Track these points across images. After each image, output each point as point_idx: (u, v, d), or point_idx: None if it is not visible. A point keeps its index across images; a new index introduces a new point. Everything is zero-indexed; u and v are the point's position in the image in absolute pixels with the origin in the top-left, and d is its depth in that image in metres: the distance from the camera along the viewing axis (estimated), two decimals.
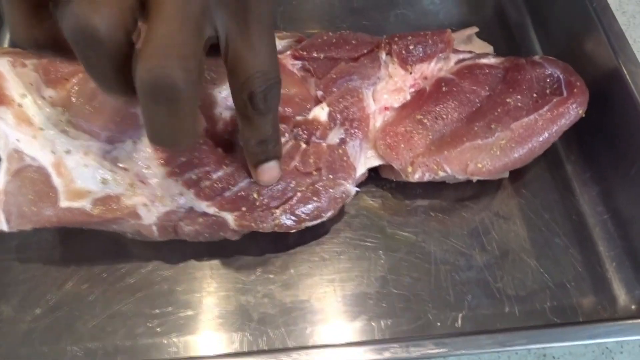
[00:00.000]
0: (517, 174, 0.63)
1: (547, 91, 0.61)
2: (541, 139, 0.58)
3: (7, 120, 0.52)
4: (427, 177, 0.58)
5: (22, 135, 0.52)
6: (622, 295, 0.58)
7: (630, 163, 0.59)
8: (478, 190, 0.63)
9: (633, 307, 0.57)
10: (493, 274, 0.59)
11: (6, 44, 0.71)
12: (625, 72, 0.60)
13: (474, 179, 0.59)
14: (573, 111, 0.59)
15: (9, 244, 0.58)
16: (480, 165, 0.57)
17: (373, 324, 0.55)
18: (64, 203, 0.51)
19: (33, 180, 0.52)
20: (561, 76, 0.61)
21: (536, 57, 0.63)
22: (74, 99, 0.53)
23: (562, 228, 0.61)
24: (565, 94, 0.60)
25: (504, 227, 0.61)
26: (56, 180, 0.52)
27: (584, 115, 0.61)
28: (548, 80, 0.61)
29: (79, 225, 0.53)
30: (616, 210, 0.62)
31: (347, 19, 0.76)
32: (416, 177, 0.57)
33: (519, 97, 0.59)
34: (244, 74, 0.42)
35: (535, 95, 0.60)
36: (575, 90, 0.60)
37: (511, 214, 0.62)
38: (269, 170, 0.51)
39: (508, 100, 0.59)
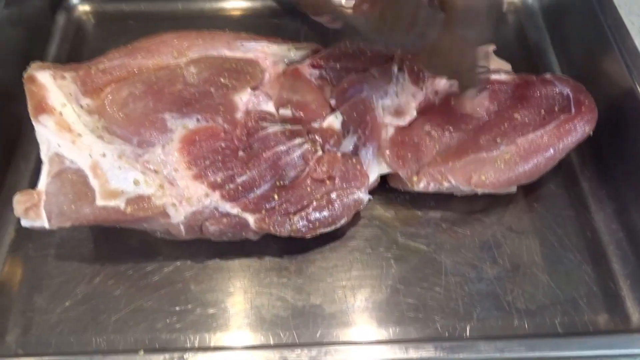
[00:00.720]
0: (530, 189, 0.64)
1: (556, 108, 0.62)
2: (546, 155, 0.59)
3: (49, 127, 0.57)
4: (432, 187, 0.59)
5: (63, 140, 0.57)
6: (635, 314, 0.58)
7: None
8: (491, 203, 0.64)
9: None
10: (503, 287, 0.59)
11: (49, 59, 0.78)
12: (639, 90, 0.60)
13: (478, 191, 0.60)
14: (580, 129, 0.60)
15: (49, 240, 0.62)
16: (483, 178, 0.58)
17: (382, 330, 0.57)
18: (100, 202, 0.55)
19: (72, 181, 0.56)
20: (570, 94, 0.61)
21: (547, 75, 0.64)
22: (108, 107, 0.58)
23: (575, 244, 0.62)
24: (573, 111, 0.61)
25: (516, 241, 0.62)
26: (93, 181, 0.56)
27: (591, 134, 0.61)
28: (557, 97, 0.62)
29: (113, 223, 0.57)
30: (631, 228, 0.62)
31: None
32: (421, 186, 0.59)
33: (526, 112, 0.60)
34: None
35: (543, 111, 0.61)
36: (583, 108, 0.61)
37: (524, 229, 0.63)
38: (475, 96, 0.55)
39: (515, 115, 0.60)
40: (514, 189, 0.63)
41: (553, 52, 0.78)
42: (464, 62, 0.53)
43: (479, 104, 0.57)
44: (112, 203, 0.55)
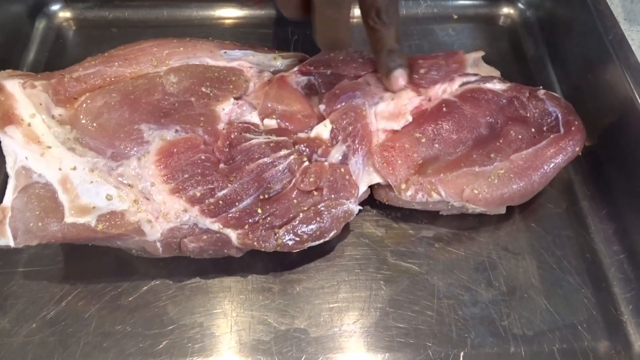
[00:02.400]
0: (527, 207, 0.61)
1: (545, 128, 0.60)
2: (540, 172, 0.57)
3: (16, 138, 0.53)
4: (419, 197, 0.56)
5: (31, 153, 0.53)
6: (638, 341, 0.55)
7: None
8: (486, 222, 0.61)
9: None
10: (499, 311, 0.56)
11: (27, 66, 0.74)
12: None
13: (469, 207, 0.57)
14: (570, 148, 0.58)
15: (16, 257, 0.58)
16: (476, 192, 0.55)
17: (370, 357, 0.53)
18: (69, 219, 0.52)
19: (40, 196, 0.53)
20: (559, 114, 0.60)
21: (540, 92, 0.62)
22: (80, 117, 0.55)
23: (574, 267, 0.59)
24: (562, 131, 0.59)
25: (512, 263, 0.59)
26: (62, 197, 0.53)
27: (580, 154, 0.59)
28: (546, 117, 0.61)
29: (83, 241, 0.54)
30: (633, 250, 0.59)
31: (361, 47, 0.76)
32: (408, 194, 0.56)
33: (519, 129, 0.59)
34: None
35: (533, 130, 0.59)
36: (572, 128, 0.59)
37: (521, 250, 0.60)
38: (398, 78, 0.59)
39: (509, 131, 0.58)
40: (503, 209, 0.60)
41: (550, 65, 0.75)
42: (341, 38, 0.55)
43: (395, 83, 0.60)
44: (82, 220, 0.51)
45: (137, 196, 0.54)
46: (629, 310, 0.56)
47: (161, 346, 0.54)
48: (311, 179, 0.55)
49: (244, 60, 0.63)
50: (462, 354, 0.53)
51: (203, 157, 0.54)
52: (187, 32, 0.76)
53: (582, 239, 0.61)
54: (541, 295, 0.57)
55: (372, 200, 0.62)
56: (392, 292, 0.57)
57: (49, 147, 0.54)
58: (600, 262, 0.59)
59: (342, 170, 0.56)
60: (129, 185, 0.54)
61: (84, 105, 0.55)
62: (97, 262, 0.58)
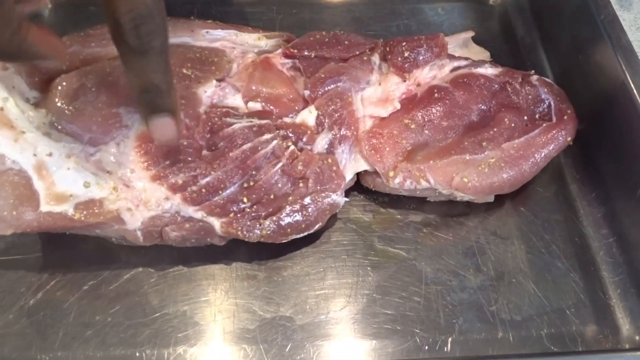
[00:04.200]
0: (516, 191, 0.60)
1: (537, 116, 0.59)
2: (531, 161, 0.56)
3: None
4: (407, 185, 0.55)
5: (4, 138, 0.51)
6: (626, 325, 0.54)
7: (636, 183, 0.56)
8: (474, 207, 0.60)
9: (637, 337, 0.53)
10: (487, 296, 0.55)
11: None
12: (633, 87, 0.57)
13: (458, 195, 0.56)
14: (562, 137, 0.57)
15: None
16: (466, 180, 0.54)
17: (357, 344, 0.53)
18: (45, 207, 0.50)
19: (14, 183, 0.50)
20: (552, 102, 0.59)
21: (533, 77, 0.61)
22: (56, 100, 0.52)
23: (563, 251, 0.58)
24: (554, 120, 0.58)
25: (501, 248, 0.58)
26: (37, 184, 0.51)
27: (571, 144, 0.58)
28: (539, 104, 0.60)
29: (60, 230, 0.52)
30: (622, 233, 0.58)
31: (348, 28, 0.75)
32: (397, 182, 0.55)
33: (511, 116, 0.57)
34: (112, 7, 0.37)
35: (525, 118, 0.58)
36: (565, 117, 0.58)
37: (509, 234, 0.59)
38: (160, 126, 0.44)
39: (505, 119, 0.57)
40: (492, 197, 0.59)
41: (541, 47, 0.74)
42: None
43: (156, 133, 0.45)
44: (59, 208, 0.49)
45: (117, 183, 0.52)
46: (617, 294, 0.56)
47: (143, 336, 0.52)
48: (299, 167, 0.54)
49: (227, 41, 0.61)
50: (450, 340, 0.53)
51: (185, 144, 0.53)
52: (168, 10, 0.73)
53: (571, 223, 0.60)
54: (529, 280, 0.56)
55: (359, 186, 0.60)
56: (380, 278, 0.56)
57: (23, 132, 0.51)
58: (589, 246, 0.59)
59: (330, 160, 0.55)
60: (108, 172, 0.52)
61: (59, 87, 0.53)
62: (76, 250, 0.57)
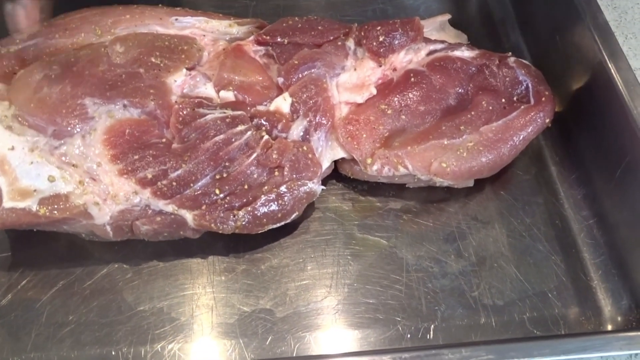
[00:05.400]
0: (496, 175, 0.59)
1: (515, 98, 0.58)
2: (509, 144, 0.55)
3: None
4: (385, 172, 0.54)
5: None
6: (607, 306, 0.54)
7: (616, 163, 0.55)
8: (455, 192, 0.59)
9: (619, 318, 0.53)
10: (469, 282, 0.55)
11: None
12: (610, 66, 0.56)
13: (437, 181, 0.56)
14: (540, 119, 0.56)
15: None
16: (444, 165, 0.53)
17: (339, 335, 0.52)
18: (8, 203, 0.48)
19: None
20: (530, 84, 0.58)
21: (510, 59, 0.60)
22: (18, 92, 0.50)
23: (544, 234, 0.58)
24: (532, 102, 0.57)
25: (482, 232, 0.57)
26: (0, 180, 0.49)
27: (549, 126, 0.58)
28: (517, 86, 0.59)
29: (26, 226, 0.50)
30: (602, 214, 0.58)
31: (322, 13, 0.73)
32: (374, 168, 0.54)
33: (489, 99, 0.56)
34: None
35: (503, 100, 0.57)
36: (543, 99, 0.57)
37: (490, 218, 0.58)
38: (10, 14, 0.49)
39: (482, 102, 0.56)
40: (471, 182, 0.58)
41: (518, 28, 0.73)
42: None
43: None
44: (22, 204, 0.48)
45: (83, 177, 0.50)
46: (598, 276, 0.56)
47: (119, 334, 0.51)
48: (274, 155, 0.52)
49: (197, 28, 0.59)
50: (432, 327, 0.52)
51: (154, 136, 0.51)
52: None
53: (552, 205, 0.60)
54: (511, 264, 0.56)
55: (337, 174, 0.59)
56: (360, 267, 0.55)
57: None
58: (570, 228, 0.58)
59: (305, 148, 0.53)
60: (73, 165, 0.50)
61: (22, 79, 0.51)
62: (47, 247, 0.55)
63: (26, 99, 0.50)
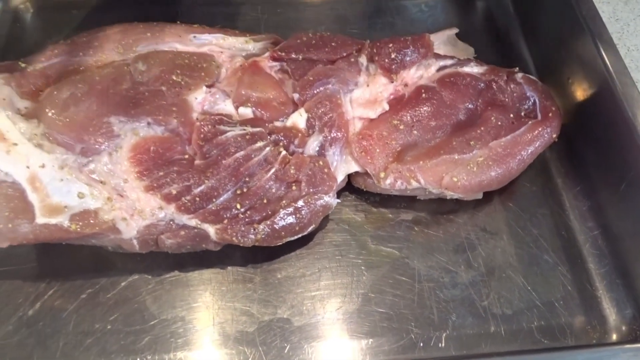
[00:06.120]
0: (504, 187, 0.61)
1: (522, 113, 0.60)
2: (518, 159, 0.57)
3: None
4: (398, 185, 0.56)
5: None
6: (612, 315, 0.56)
7: (621, 176, 0.57)
8: (464, 204, 0.62)
9: (624, 328, 0.55)
10: (479, 292, 0.57)
11: None
12: (615, 81, 0.58)
13: (448, 194, 0.58)
14: (547, 134, 0.58)
15: None
16: (455, 179, 0.55)
17: (354, 343, 0.54)
18: (40, 219, 0.50)
19: (7, 196, 0.50)
20: (537, 99, 0.60)
21: (517, 75, 0.62)
22: (47, 110, 0.52)
23: (551, 244, 0.60)
24: (539, 117, 0.59)
25: (490, 243, 0.60)
26: (31, 196, 0.51)
27: (556, 140, 0.60)
28: (524, 101, 0.61)
29: (57, 241, 0.52)
30: (607, 226, 0.60)
31: (332, 27, 0.75)
32: (387, 182, 0.56)
33: (498, 115, 0.58)
34: None
35: (511, 115, 0.59)
36: (550, 114, 0.59)
37: (498, 229, 0.60)
38: None
39: (491, 117, 0.58)
40: (480, 195, 0.60)
41: (524, 41, 0.75)
42: None
43: None
44: (54, 220, 0.50)
45: (110, 193, 0.52)
46: (603, 285, 0.58)
47: (143, 342, 0.53)
48: (291, 170, 0.54)
49: (214, 45, 0.61)
50: (444, 335, 0.54)
51: (178, 154, 0.53)
52: (152, 11, 0.73)
53: (558, 217, 0.62)
54: (519, 274, 0.58)
55: (350, 186, 0.61)
56: (374, 277, 0.57)
57: (15, 144, 0.51)
58: (575, 239, 0.60)
59: (321, 163, 0.55)
60: (101, 182, 0.52)
61: (50, 97, 0.53)
62: (72, 258, 0.57)
63: (54, 118, 0.52)
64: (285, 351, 0.53)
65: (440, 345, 0.54)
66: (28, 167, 0.51)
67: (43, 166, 0.51)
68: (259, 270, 0.57)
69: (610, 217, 0.60)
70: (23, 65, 0.56)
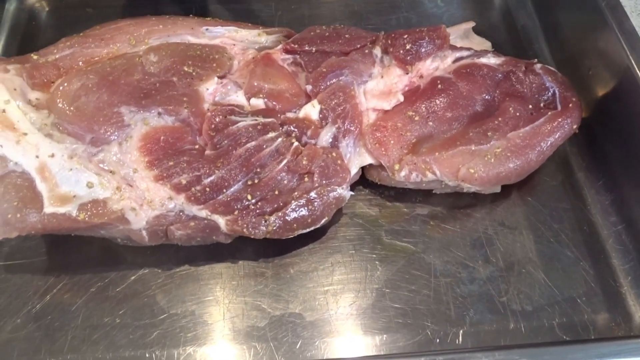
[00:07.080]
0: (523, 181, 0.59)
1: (542, 104, 0.59)
2: (536, 151, 0.55)
3: None
4: (413, 177, 0.55)
5: (6, 140, 0.50)
6: (638, 312, 0.54)
7: None
8: (481, 198, 0.60)
9: None
10: (497, 287, 0.55)
11: None
12: (638, 72, 0.56)
13: (464, 186, 0.56)
14: (567, 126, 0.57)
15: None
16: (472, 171, 0.54)
17: (368, 339, 0.52)
18: (48, 209, 0.50)
19: (17, 186, 0.50)
20: (557, 90, 0.58)
21: (536, 66, 0.60)
22: (57, 101, 0.52)
23: (572, 239, 0.58)
24: (559, 108, 0.58)
25: (509, 238, 0.58)
26: (40, 185, 0.50)
27: (577, 132, 0.58)
28: (543, 92, 0.59)
29: (65, 231, 0.52)
30: (631, 220, 0.58)
31: (346, 23, 0.74)
32: (402, 174, 0.55)
33: (516, 105, 0.57)
34: None
35: (530, 107, 0.58)
36: (570, 105, 0.58)
37: (517, 224, 0.59)
38: None
39: (509, 108, 0.56)
40: (498, 188, 0.59)
41: (543, 35, 0.74)
42: None
43: None
44: (63, 209, 0.49)
45: (120, 183, 0.51)
46: (628, 282, 0.55)
47: (152, 337, 0.52)
48: (304, 162, 0.53)
49: (227, 37, 0.61)
50: (461, 332, 0.52)
51: (188, 143, 0.52)
52: (165, 9, 0.73)
53: (579, 211, 0.60)
54: (539, 269, 0.56)
55: (364, 180, 0.60)
56: (388, 272, 0.56)
57: (25, 134, 0.51)
58: (598, 234, 0.58)
59: (334, 154, 0.54)
60: (111, 172, 0.52)
61: (60, 88, 0.52)
62: (81, 252, 0.56)
63: (65, 108, 0.51)
64: (297, 347, 0.52)
65: (457, 341, 0.52)
66: (37, 156, 0.50)
67: (52, 156, 0.50)
68: (270, 264, 0.56)
69: (634, 211, 0.58)
70: (35, 57, 0.56)
